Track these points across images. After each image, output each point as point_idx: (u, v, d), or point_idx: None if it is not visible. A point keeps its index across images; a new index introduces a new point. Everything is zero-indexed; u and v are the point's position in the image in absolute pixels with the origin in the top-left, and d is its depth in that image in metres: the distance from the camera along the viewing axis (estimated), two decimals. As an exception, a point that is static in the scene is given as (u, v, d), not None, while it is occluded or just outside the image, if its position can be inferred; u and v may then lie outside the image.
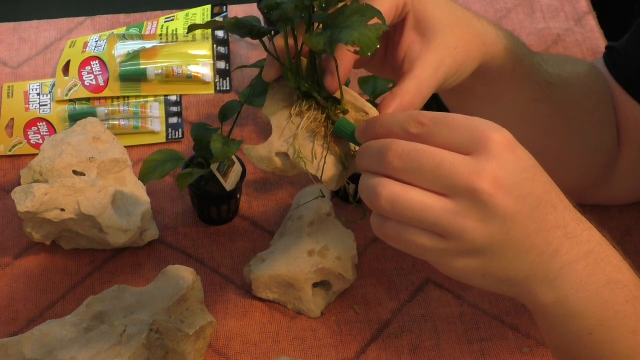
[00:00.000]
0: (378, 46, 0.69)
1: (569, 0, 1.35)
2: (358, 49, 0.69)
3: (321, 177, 0.76)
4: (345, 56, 0.77)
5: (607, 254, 0.72)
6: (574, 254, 0.70)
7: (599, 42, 1.29)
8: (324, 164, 0.76)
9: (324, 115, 0.77)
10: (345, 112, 0.77)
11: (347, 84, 1.12)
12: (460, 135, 0.67)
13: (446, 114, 0.69)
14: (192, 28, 0.76)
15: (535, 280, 0.70)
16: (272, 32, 0.77)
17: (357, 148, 0.75)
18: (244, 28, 0.76)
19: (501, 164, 0.66)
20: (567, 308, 0.71)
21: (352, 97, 0.78)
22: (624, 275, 0.73)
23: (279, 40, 0.76)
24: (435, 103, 1.11)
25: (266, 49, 0.77)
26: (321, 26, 0.73)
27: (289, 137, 0.76)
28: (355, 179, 1.09)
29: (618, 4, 1.53)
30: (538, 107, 0.95)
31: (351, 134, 0.74)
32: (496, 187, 0.66)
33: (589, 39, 1.30)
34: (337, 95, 0.77)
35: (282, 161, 0.77)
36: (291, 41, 0.76)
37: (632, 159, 1.04)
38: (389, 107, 0.78)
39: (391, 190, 0.68)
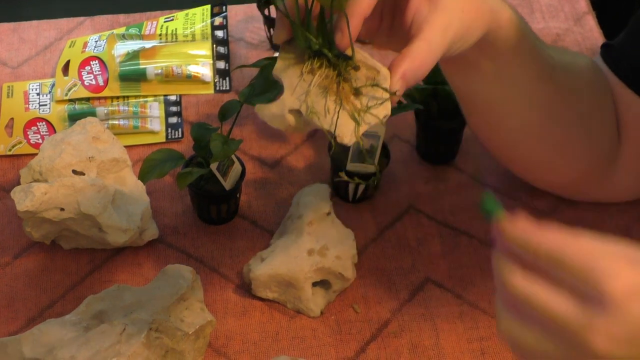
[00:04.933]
0: None
1: (568, 0, 1.35)
2: None
3: (334, 131, 0.76)
4: (355, 13, 0.77)
5: None
6: None
7: (598, 41, 1.29)
8: (337, 119, 0.76)
9: (335, 72, 0.77)
10: (356, 68, 0.77)
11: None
12: (575, 279, 0.64)
13: (564, 245, 0.65)
14: None
15: None
16: None
17: (369, 103, 0.75)
18: None
19: (617, 319, 0.63)
20: None
21: (362, 56, 0.79)
22: None
23: (289, 0, 0.77)
24: (435, 101, 1.12)
25: (278, 9, 0.78)
26: None
27: (301, 94, 0.76)
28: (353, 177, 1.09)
29: (617, 4, 1.53)
30: (541, 87, 0.96)
31: (493, 213, 0.70)
32: (609, 342, 0.63)
33: (588, 38, 1.30)
34: (348, 52, 0.77)
35: (295, 118, 0.77)
36: (301, 0, 0.76)
37: (632, 154, 1.05)
38: (399, 67, 0.78)
39: (507, 325, 0.68)
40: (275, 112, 0.77)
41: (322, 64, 0.77)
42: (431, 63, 0.80)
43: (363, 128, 0.77)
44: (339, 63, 0.77)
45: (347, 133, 0.76)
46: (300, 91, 0.77)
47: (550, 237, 0.66)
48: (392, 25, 0.86)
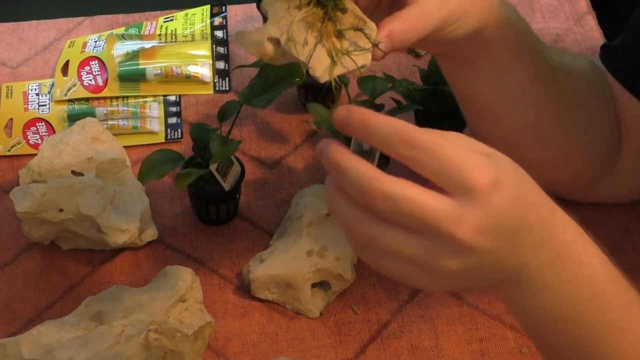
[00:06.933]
0: None
1: (569, 0, 1.35)
2: None
3: (308, 62, 0.76)
4: None
5: (578, 252, 0.72)
6: (542, 260, 0.71)
7: (598, 41, 1.29)
8: (313, 51, 0.76)
9: (323, 11, 0.78)
10: (343, 10, 0.78)
11: (346, 84, 1.12)
12: (445, 172, 0.66)
13: (437, 141, 0.66)
14: None
15: (505, 284, 0.72)
16: None
17: (350, 48, 0.77)
18: None
19: (482, 209, 0.66)
20: (531, 302, 0.72)
21: (353, 6, 0.79)
22: (593, 271, 0.73)
23: None
24: (434, 101, 1.11)
25: None
26: None
27: (284, 26, 0.77)
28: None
29: (617, 4, 1.53)
30: (541, 89, 0.96)
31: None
32: (476, 233, 0.66)
33: (588, 38, 1.30)
34: None
35: (273, 47, 0.78)
36: None
37: (632, 156, 1.05)
38: (387, 25, 0.78)
39: (368, 231, 0.67)
40: (255, 38, 0.77)
41: (311, 2, 0.78)
42: (421, 30, 0.79)
43: (339, 69, 0.78)
44: (328, 3, 0.78)
45: (320, 68, 0.77)
46: (284, 23, 0.77)
47: (417, 133, 0.67)
48: (392, 6, 0.85)
